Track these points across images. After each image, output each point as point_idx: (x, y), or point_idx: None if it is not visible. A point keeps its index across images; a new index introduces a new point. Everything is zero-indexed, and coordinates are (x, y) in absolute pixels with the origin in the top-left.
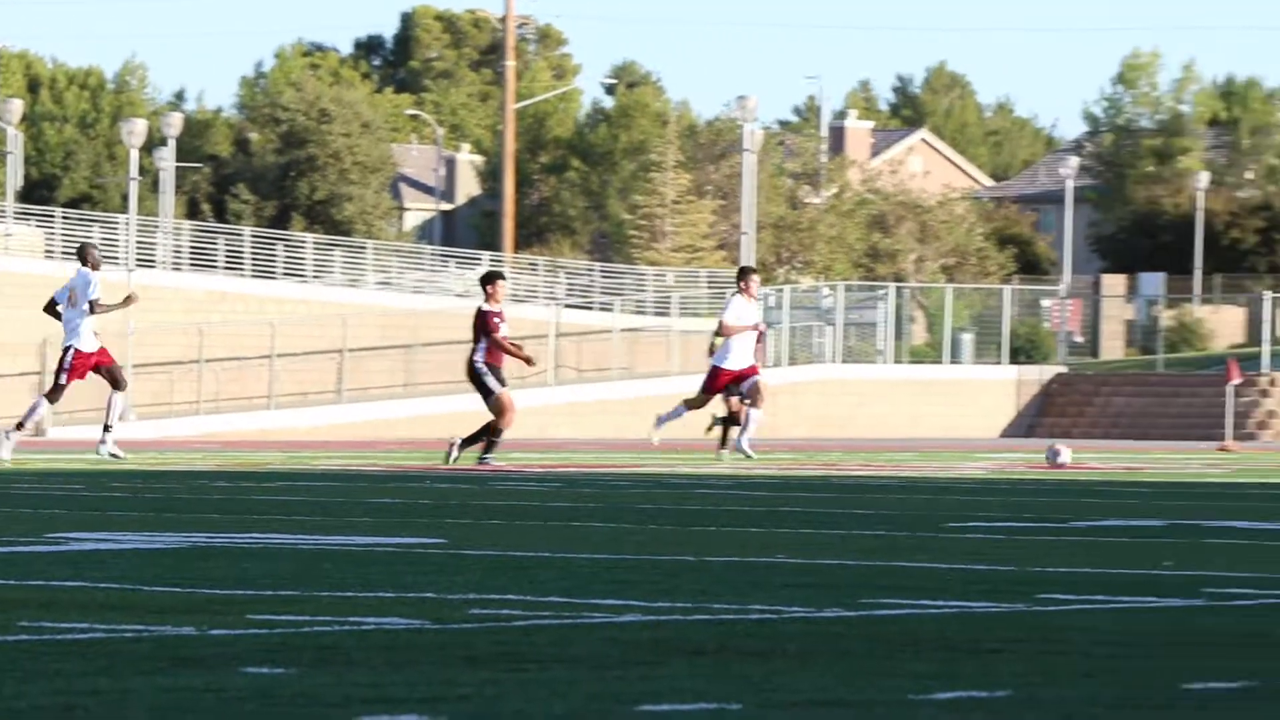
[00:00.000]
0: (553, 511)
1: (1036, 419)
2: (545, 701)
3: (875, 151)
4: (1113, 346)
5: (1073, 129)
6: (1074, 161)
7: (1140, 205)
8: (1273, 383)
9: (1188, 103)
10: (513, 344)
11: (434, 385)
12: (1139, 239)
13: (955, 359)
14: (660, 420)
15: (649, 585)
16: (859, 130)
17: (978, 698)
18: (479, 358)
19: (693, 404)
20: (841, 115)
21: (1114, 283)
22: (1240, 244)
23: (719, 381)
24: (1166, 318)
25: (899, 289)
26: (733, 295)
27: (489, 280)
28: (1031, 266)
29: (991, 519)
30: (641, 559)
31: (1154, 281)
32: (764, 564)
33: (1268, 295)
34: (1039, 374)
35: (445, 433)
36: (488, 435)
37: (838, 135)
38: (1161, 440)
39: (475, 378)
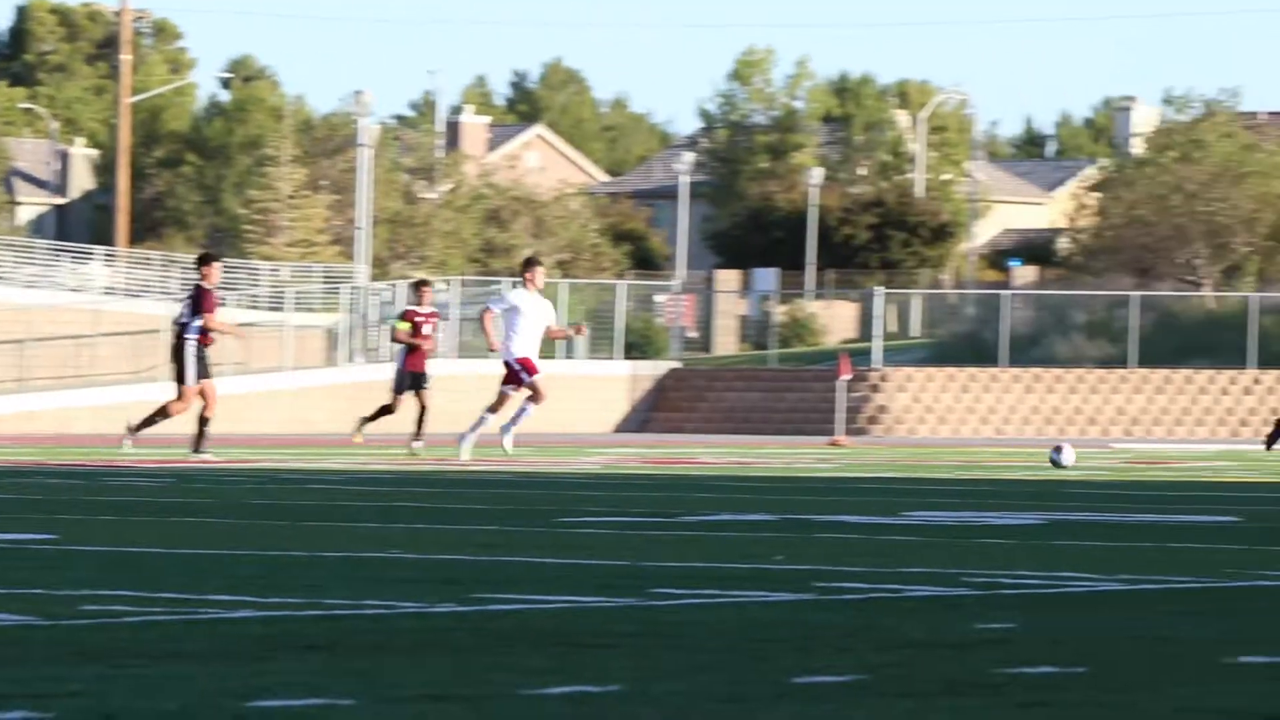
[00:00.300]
0: (166, 507)
1: (650, 414)
2: (157, 698)
3: (492, 147)
4: (726, 342)
5: (688, 125)
6: (689, 157)
7: (754, 201)
8: (884, 378)
9: (801, 99)
10: (224, 324)
11: (46, 381)
12: (753, 235)
13: (569, 354)
14: (505, 428)
15: (262, 581)
16: (475, 125)
17: (590, 692)
18: (192, 336)
19: (534, 399)
20: (458, 110)
21: (728, 278)
22: (853, 240)
23: (530, 368)
24: (780, 313)
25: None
26: (513, 286)
27: (205, 261)
28: (646, 262)
29: (604, 514)
30: (255, 554)
31: (767, 277)
32: (377, 559)
33: (880, 291)
34: (653, 369)
35: (56, 429)
36: (155, 416)
37: (454, 130)
38: (774, 435)
39: (179, 358)
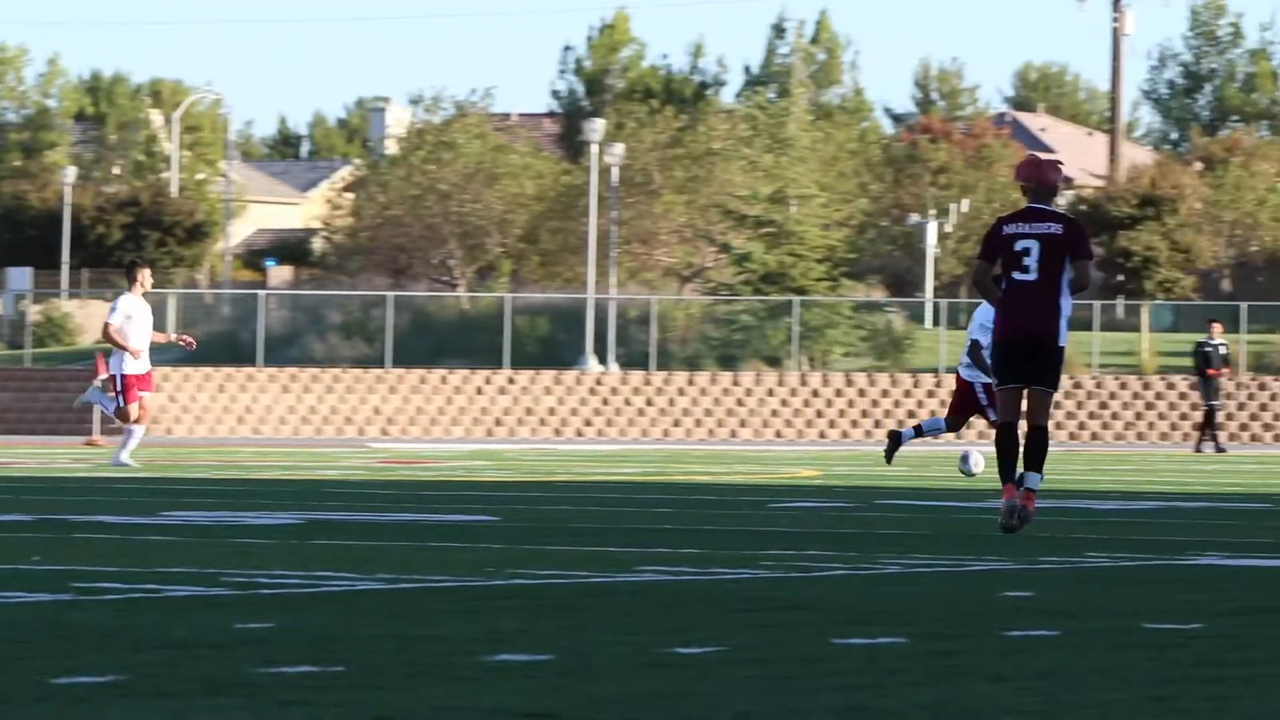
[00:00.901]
0: None
1: None
2: None
3: None
4: None
5: None
6: None
7: (7, 200)
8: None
9: (54, 97)
10: None
11: None
12: (6, 233)
13: None
14: (98, 400)
15: None
16: None
17: None
18: None
19: (122, 416)
20: None
21: None
22: (107, 239)
23: (130, 390)
24: (34, 313)
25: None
26: (122, 293)
27: None
28: None
29: None
30: None
31: (21, 276)
32: None
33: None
34: None
35: None
36: None
37: None
38: (29, 435)
39: None
